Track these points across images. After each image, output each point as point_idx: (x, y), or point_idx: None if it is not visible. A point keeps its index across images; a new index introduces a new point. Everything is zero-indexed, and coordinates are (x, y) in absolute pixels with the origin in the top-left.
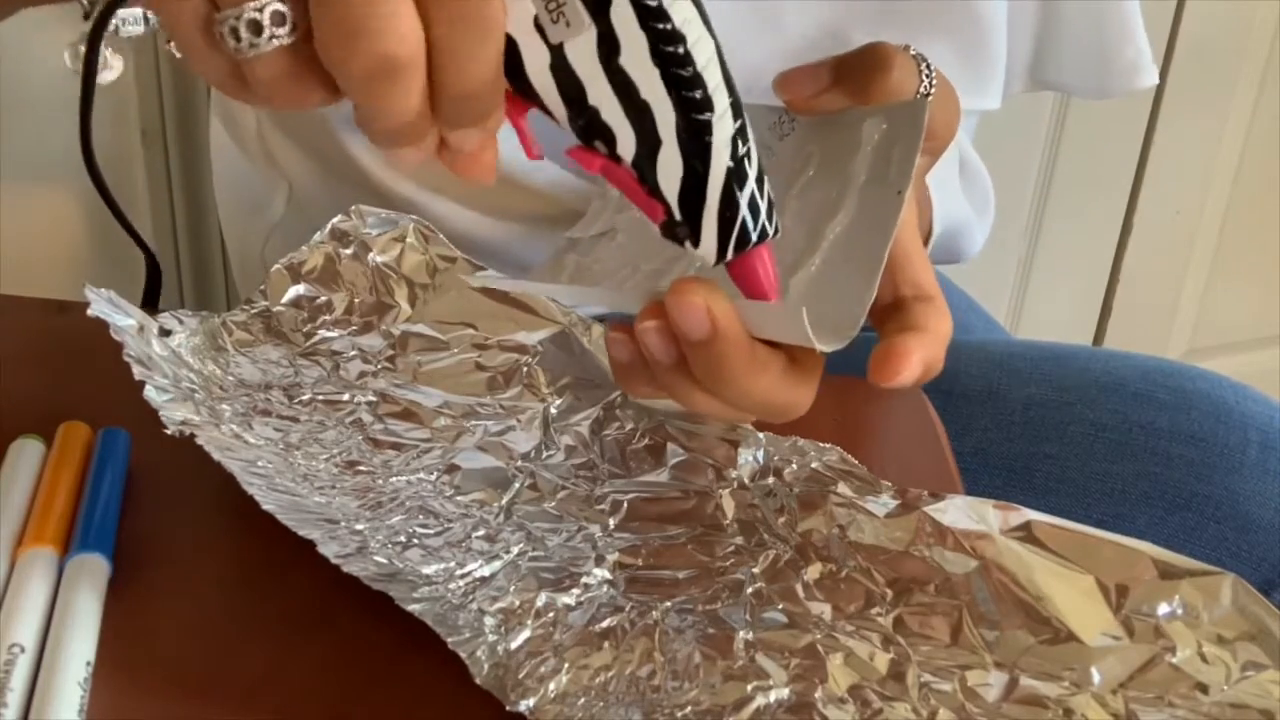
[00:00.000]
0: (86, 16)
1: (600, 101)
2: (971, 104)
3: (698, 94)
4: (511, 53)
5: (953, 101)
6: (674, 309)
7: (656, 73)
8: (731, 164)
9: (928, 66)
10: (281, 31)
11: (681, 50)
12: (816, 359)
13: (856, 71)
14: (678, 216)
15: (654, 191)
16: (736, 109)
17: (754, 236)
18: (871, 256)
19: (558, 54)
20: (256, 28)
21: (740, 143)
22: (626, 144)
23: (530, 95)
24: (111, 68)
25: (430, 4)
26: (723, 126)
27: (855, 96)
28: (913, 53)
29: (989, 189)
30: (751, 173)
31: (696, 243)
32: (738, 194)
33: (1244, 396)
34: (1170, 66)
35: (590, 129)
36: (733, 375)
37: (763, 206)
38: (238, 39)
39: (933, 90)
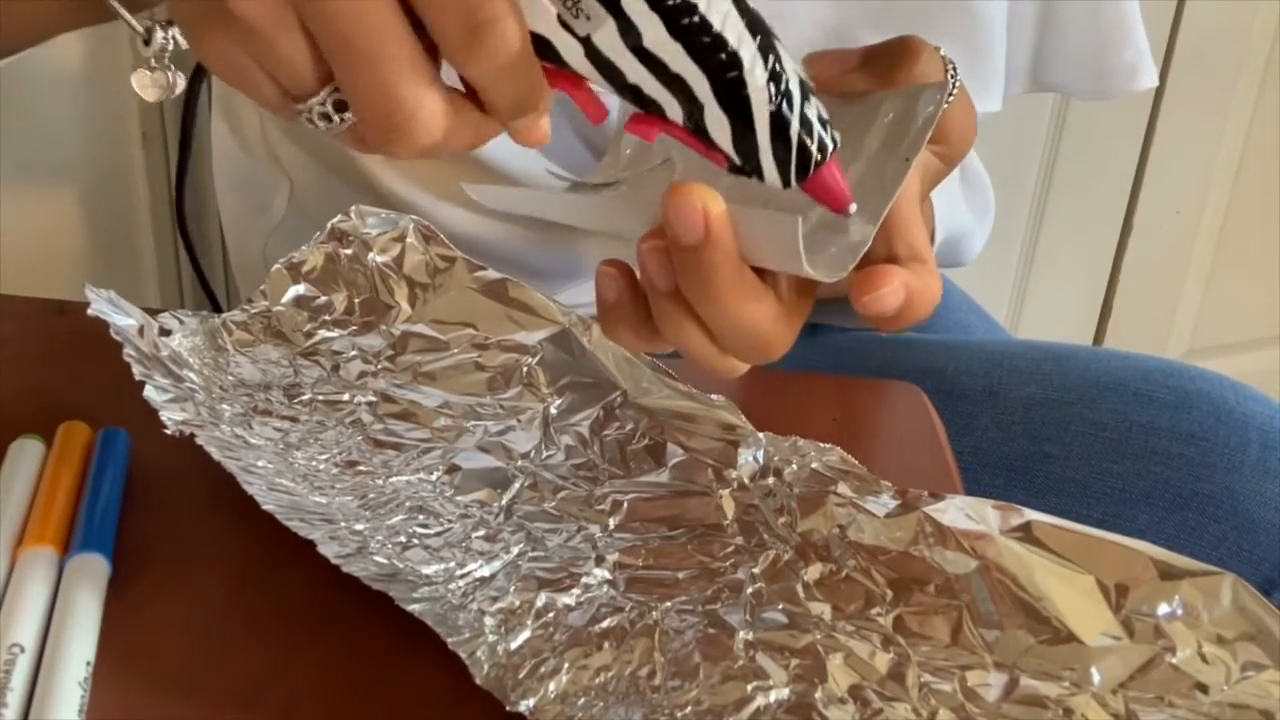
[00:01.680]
0: (146, 43)
1: (639, 80)
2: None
3: (722, 56)
4: (549, 48)
5: (971, 113)
6: (670, 208)
7: (679, 46)
8: (773, 108)
9: (954, 68)
10: (347, 115)
11: (696, 19)
12: (803, 300)
13: (883, 59)
14: (739, 163)
15: (713, 146)
16: (765, 48)
17: (814, 159)
18: (873, 210)
19: (588, 44)
20: (327, 117)
21: (776, 84)
22: (674, 112)
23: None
24: (176, 86)
25: (457, 59)
26: (754, 77)
27: (879, 82)
28: (942, 53)
29: (989, 193)
30: (796, 104)
31: (764, 178)
32: (788, 129)
33: (1245, 396)
34: (1170, 66)
35: (640, 102)
36: (720, 291)
37: (815, 128)
38: (316, 125)
39: (955, 90)
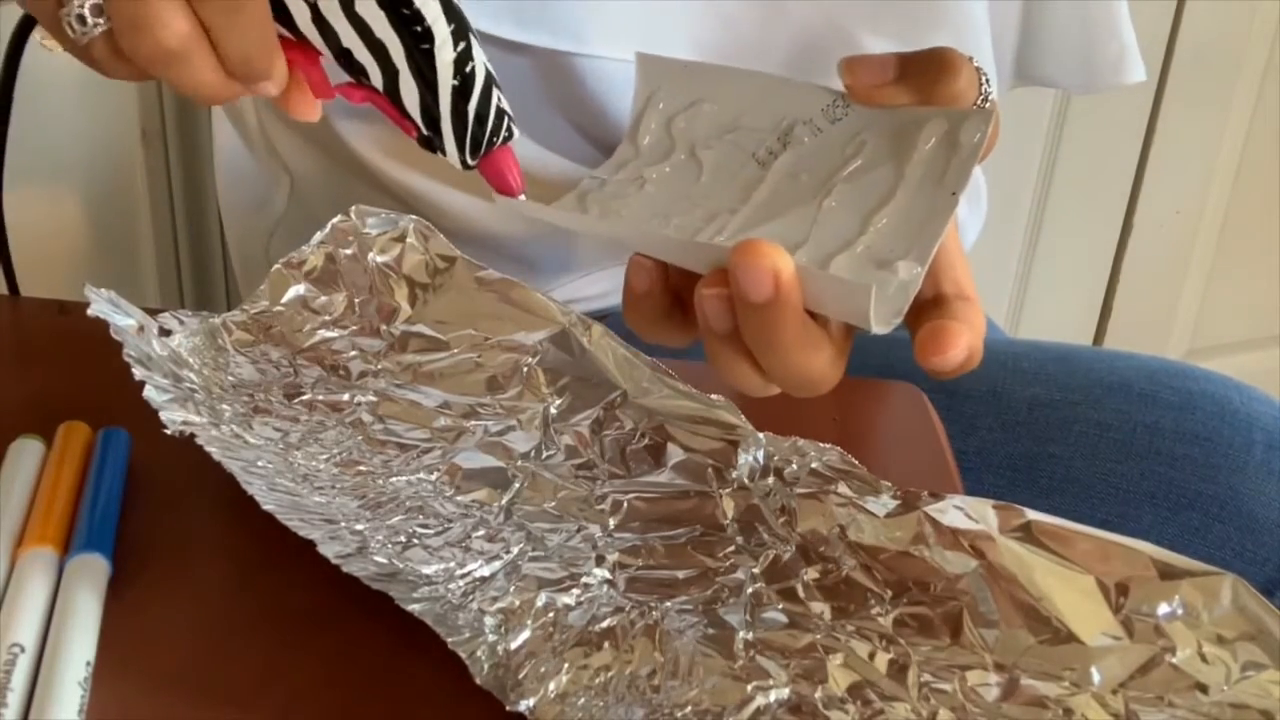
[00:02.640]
0: None
1: (351, 44)
2: None
3: (418, 28)
4: (285, 11)
5: (997, 122)
6: (740, 267)
7: (383, 15)
8: (456, 82)
9: (987, 81)
10: (100, 21)
11: None
12: (850, 338)
13: (923, 71)
14: (424, 131)
15: (405, 114)
16: (459, 35)
17: (486, 141)
18: (921, 250)
19: (314, 8)
20: (83, 20)
21: (462, 66)
22: (376, 77)
23: (310, 44)
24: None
25: None
26: (444, 52)
27: (918, 95)
28: (976, 64)
29: (980, 184)
30: (477, 89)
31: (444, 151)
32: (466, 108)
33: (1249, 397)
34: (1170, 66)
35: (351, 68)
36: (782, 345)
37: (491, 117)
38: (73, 30)
39: (988, 105)
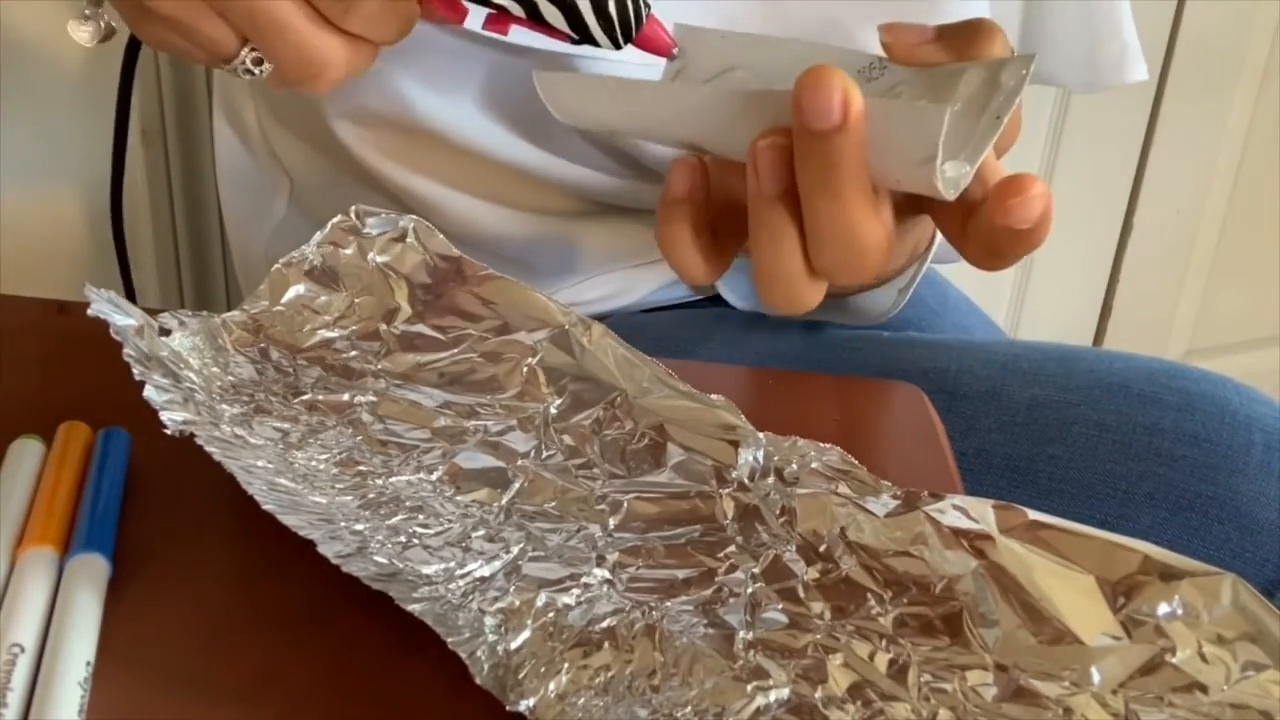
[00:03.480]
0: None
1: None
2: None
3: None
4: None
5: (1017, 119)
6: (808, 91)
7: None
8: None
9: (1028, 70)
10: (266, 66)
11: None
12: (901, 228)
13: (959, 33)
14: (576, 39)
15: (554, 31)
16: None
17: (635, 22)
18: (971, 152)
19: None
20: (250, 71)
21: None
22: (516, 10)
23: None
24: (88, 32)
25: (338, 21)
26: None
27: (956, 56)
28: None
29: None
30: None
31: (599, 45)
32: (606, 6)
33: (1248, 398)
34: (1170, 66)
35: (488, 4)
36: (842, 184)
37: (629, 2)
38: (246, 75)
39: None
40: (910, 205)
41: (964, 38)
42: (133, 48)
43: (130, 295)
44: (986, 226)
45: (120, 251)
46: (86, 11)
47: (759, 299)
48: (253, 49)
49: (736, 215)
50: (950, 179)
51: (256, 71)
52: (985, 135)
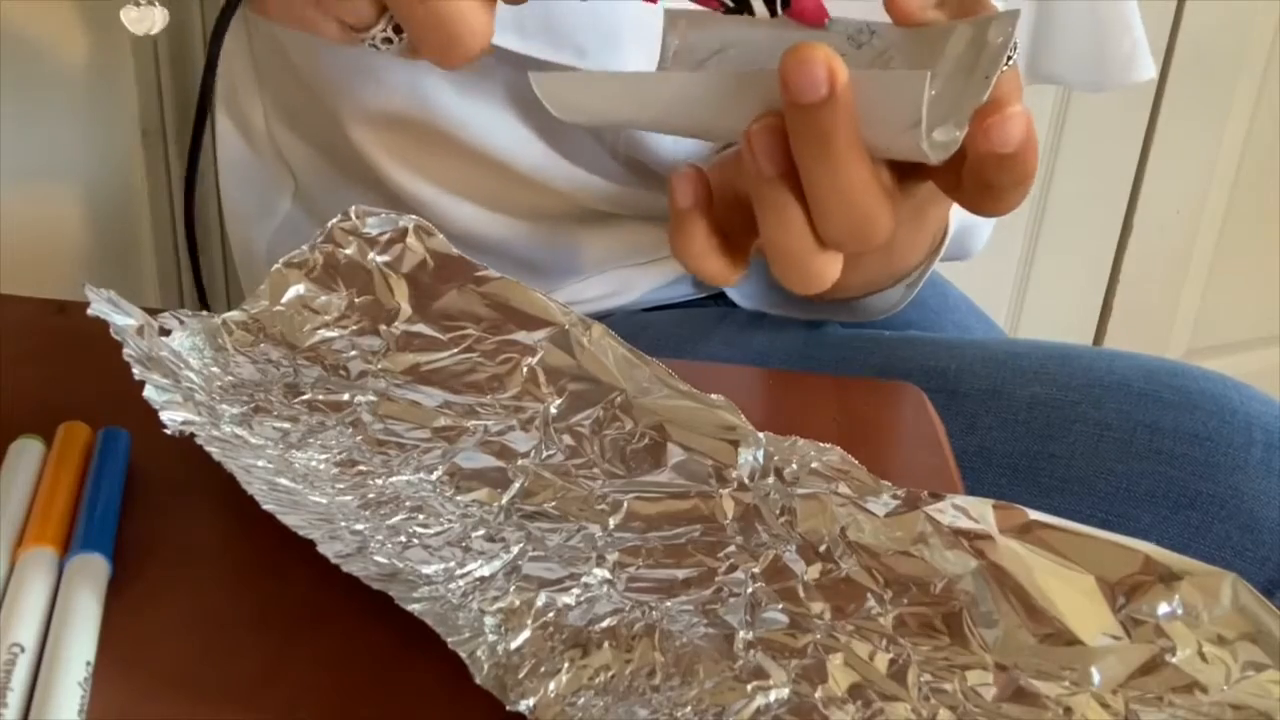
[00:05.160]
0: None
1: None
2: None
3: None
4: None
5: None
6: (794, 66)
7: None
8: None
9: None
10: (401, 37)
11: None
12: (900, 190)
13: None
14: (731, 4)
15: None
16: None
17: None
18: (959, 116)
19: None
20: (389, 40)
21: None
22: None
23: None
24: (140, 19)
25: None
26: None
27: (954, 15)
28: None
29: None
30: None
31: (754, 11)
32: None
33: (1248, 396)
34: (1170, 66)
35: None
36: (839, 151)
37: None
38: (379, 48)
39: (1013, 55)
40: (913, 169)
41: (965, 4)
42: (224, 17)
43: (204, 304)
44: (973, 158)
45: (193, 259)
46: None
47: (778, 284)
48: (390, 17)
49: (743, 211)
50: (939, 143)
51: (395, 41)
52: (974, 97)
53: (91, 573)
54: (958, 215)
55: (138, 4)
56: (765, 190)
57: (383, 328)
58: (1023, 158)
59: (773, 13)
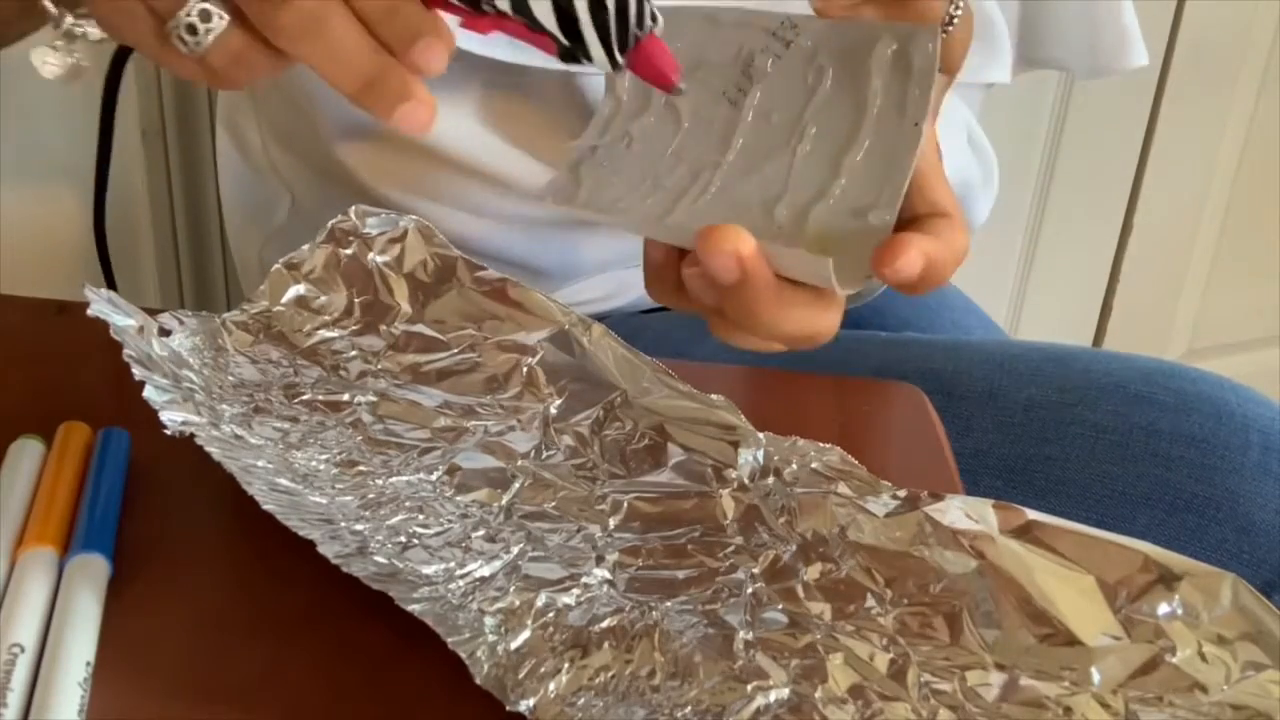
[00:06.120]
0: (55, 25)
1: None
2: (982, 76)
3: None
4: None
5: (970, 25)
6: (705, 255)
7: None
8: None
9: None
10: (211, 24)
11: None
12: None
13: None
14: (565, 43)
15: (540, 29)
16: None
17: (633, 35)
18: (890, 193)
19: None
20: (193, 29)
21: None
22: (504, 3)
23: None
24: (55, 65)
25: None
26: None
27: (888, 13)
28: None
29: (993, 162)
30: None
31: (590, 58)
32: (606, 5)
33: (1245, 398)
34: (1170, 66)
35: (472, 1)
36: (762, 314)
37: (632, 7)
38: (185, 44)
39: (958, 17)
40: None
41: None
42: (119, 59)
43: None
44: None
45: (102, 251)
46: (56, 44)
47: None
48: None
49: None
50: (856, 294)
51: (201, 30)
52: (905, 160)
53: (91, 573)
54: (951, 174)
55: (54, 47)
56: (713, 317)
57: (383, 328)
58: (927, 284)
59: (614, 65)
